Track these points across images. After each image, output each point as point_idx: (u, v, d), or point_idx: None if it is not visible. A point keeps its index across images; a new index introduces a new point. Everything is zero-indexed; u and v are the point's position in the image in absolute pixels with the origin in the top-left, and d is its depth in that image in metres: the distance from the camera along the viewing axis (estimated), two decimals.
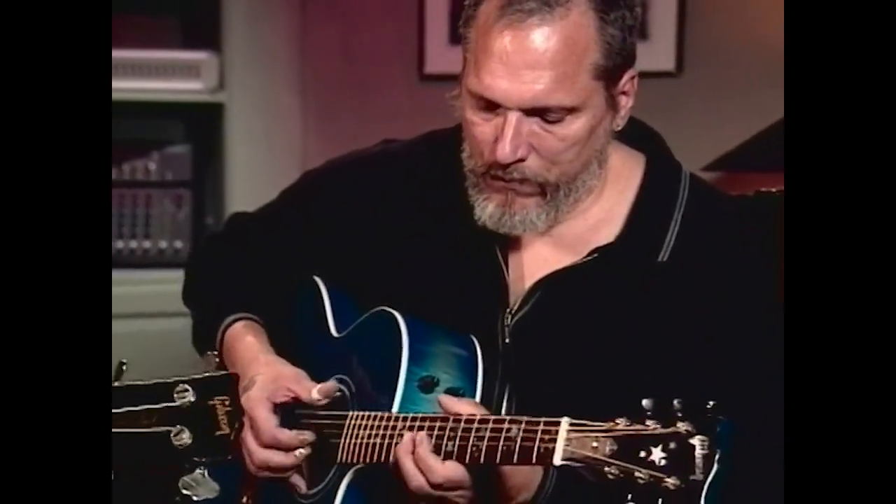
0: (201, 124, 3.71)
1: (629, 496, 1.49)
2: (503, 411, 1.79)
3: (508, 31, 1.71)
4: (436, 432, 1.69)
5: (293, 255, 1.98)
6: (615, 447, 1.50)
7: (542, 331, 1.81)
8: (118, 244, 3.64)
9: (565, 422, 1.56)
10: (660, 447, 1.48)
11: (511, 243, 1.84)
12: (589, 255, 1.81)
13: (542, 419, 1.58)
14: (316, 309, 1.97)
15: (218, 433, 1.53)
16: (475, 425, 1.65)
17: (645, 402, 1.51)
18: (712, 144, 2.96)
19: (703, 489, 1.47)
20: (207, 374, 1.55)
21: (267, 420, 1.80)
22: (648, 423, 1.50)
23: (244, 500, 1.89)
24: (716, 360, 1.74)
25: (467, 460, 1.65)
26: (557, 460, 1.55)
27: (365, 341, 1.89)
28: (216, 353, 1.81)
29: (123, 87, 3.51)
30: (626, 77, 1.77)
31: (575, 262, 1.82)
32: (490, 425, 1.64)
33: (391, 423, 1.75)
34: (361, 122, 3.53)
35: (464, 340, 1.82)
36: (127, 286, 3.48)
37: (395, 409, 1.77)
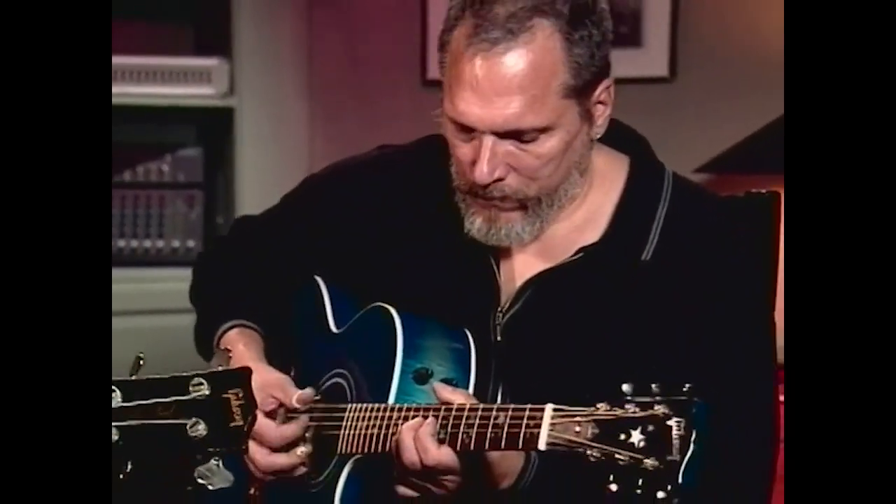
0: (212, 128, 3.71)
1: (611, 477, 1.49)
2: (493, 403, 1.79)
3: (477, 59, 1.71)
4: None
5: (295, 256, 1.99)
6: (597, 431, 1.51)
7: (531, 328, 1.82)
8: (133, 243, 3.64)
9: (549, 408, 1.57)
10: (639, 430, 1.49)
11: (501, 246, 1.84)
12: (575, 254, 1.82)
13: (528, 406, 1.59)
14: (316, 306, 1.98)
15: (232, 425, 1.53)
16: (465, 413, 1.66)
17: (625, 387, 1.52)
18: (705, 147, 2.96)
19: (680, 469, 1.48)
20: (221, 369, 1.56)
21: (267, 425, 1.81)
22: (628, 406, 1.51)
23: (252, 491, 1.89)
24: (697, 355, 1.75)
25: (458, 448, 1.66)
26: (542, 445, 1.56)
27: (362, 336, 1.90)
28: (228, 349, 1.81)
29: (138, 92, 3.52)
30: (600, 88, 1.77)
31: (562, 262, 1.82)
32: (479, 413, 1.65)
33: (388, 415, 1.76)
34: (366, 125, 3.54)
35: (457, 334, 1.83)
36: (142, 283, 3.50)
37: (391, 400, 1.78)
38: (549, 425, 1.56)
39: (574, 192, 1.82)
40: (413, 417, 1.71)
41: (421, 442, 1.67)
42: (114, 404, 1.51)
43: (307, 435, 1.85)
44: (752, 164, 2.86)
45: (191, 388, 1.52)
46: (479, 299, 1.85)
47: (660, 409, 1.49)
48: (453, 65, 1.74)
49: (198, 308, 2.05)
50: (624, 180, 1.85)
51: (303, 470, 1.84)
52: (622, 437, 1.49)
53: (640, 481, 1.48)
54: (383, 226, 1.92)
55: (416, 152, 1.93)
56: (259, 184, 3.55)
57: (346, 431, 1.81)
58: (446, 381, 1.77)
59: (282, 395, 1.83)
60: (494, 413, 1.63)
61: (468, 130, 1.75)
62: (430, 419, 1.67)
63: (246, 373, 1.54)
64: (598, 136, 1.82)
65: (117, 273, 3.57)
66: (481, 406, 1.67)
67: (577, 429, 1.53)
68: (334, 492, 1.80)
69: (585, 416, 1.53)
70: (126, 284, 3.51)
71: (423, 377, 1.79)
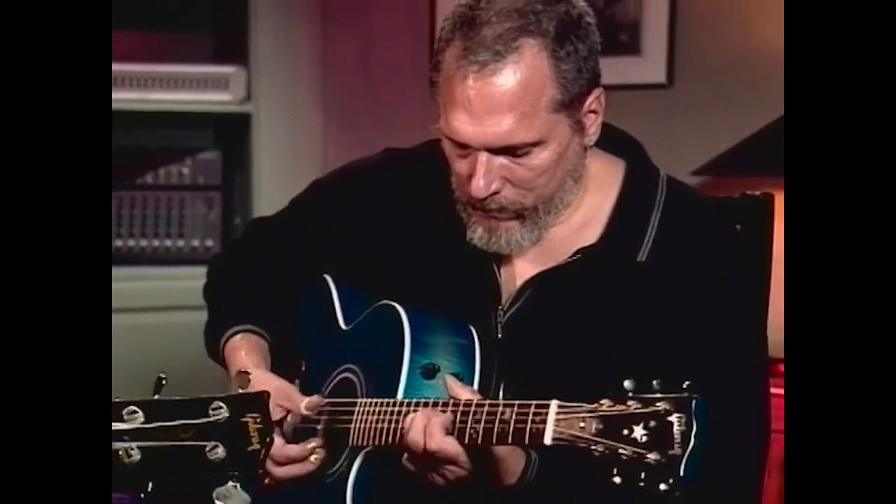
0: (230, 133, 3.72)
1: (614, 471, 1.48)
2: (496, 399, 1.78)
3: (468, 80, 1.69)
4: None
5: (304, 256, 1.98)
6: (601, 426, 1.50)
7: (531, 325, 1.81)
8: (154, 242, 3.65)
9: (554, 404, 1.55)
10: (641, 425, 1.48)
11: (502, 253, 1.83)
12: (573, 255, 1.80)
13: (534, 402, 1.57)
14: (326, 304, 1.96)
15: (249, 449, 1.52)
16: (473, 409, 1.65)
17: (626, 384, 1.51)
18: (701, 150, 2.94)
19: (681, 463, 1.46)
20: (240, 393, 1.55)
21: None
22: (630, 403, 1.49)
23: (266, 481, 1.88)
24: (691, 352, 1.73)
25: (466, 441, 1.64)
26: (548, 440, 1.54)
27: (370, 333, 1.88)
28: (248, 371, 1.80)
29: (159, 98, 3.53)
30: (591, 98, 1.75)
31: (560, 263, 1.81)
32: (486, 409, 1.63)
33: (396, 409, 1.74)
34: (377, 130, 3.53)
35: (462, 330, 1.81)
36: (162, 281, 3.50)
37: (399, 394, 1.77)
38: (555, 421, 1.54)
39: (569, 199, 1.81)
40: None
41: (430, 427, 1.66)
42: (135, 424, 1.50)
43: (320, 434, 1.83)
44: (747, 167, 2.85)
45: (210, 412, 1.51)
46: (481, 298, 1.83)
47: (661, 406, 1.47)
48: (446, 85, 1.72)
49: (208, 309, 2.04)
50: (620, 184, 1.84)
51: (313, 468, 1.83)
52: (625, 432, 1.48)
53: (643, 475, 1.47)
54: (389, 226, 1.91)
55: (420, 155, 1.91)
56: (275, 186, 3.55)
57: (357, 424, 1.79)
58: (453, 376, 1.75)
59: (288, 403, 1.82)
60: (501, 409, 1.61)
61: (464, 147, 1.74)
62: (449, 413, 1.66)
63: (264, 397, 1.53)
64: (591, 143, 1.80)
65: (140, 271, 3.60)
66: (488, 402, 1.65)
67: (582, 424, 1.52)
68: (346, 483, 1.78)
69: (589, 412, 1.51)
70: (148, 282, 3.52)
71: (430, 372, 1.78)
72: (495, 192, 1.74)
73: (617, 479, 1.48)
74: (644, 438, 1.47)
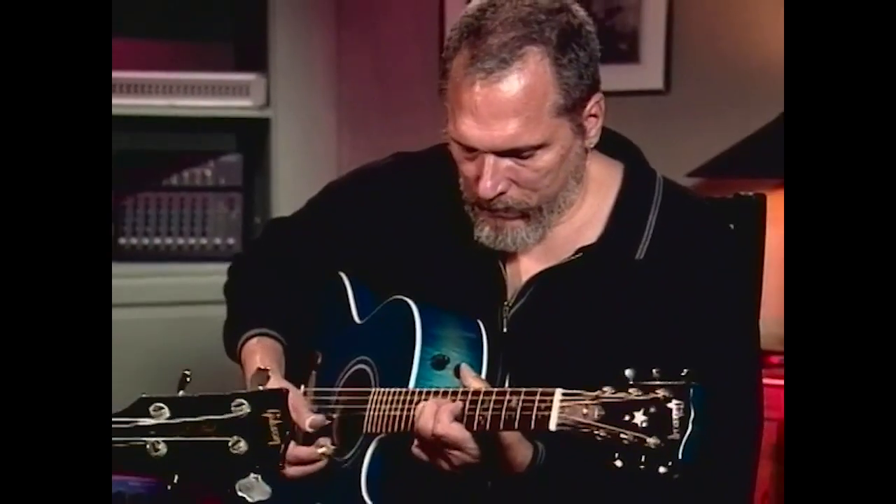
0: (251, 137, 3.71)
1: (616, 455, 1.47)
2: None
3: (475, 87, 1.68)
4: None
5: (320, 255, 1.97)
6: (603, 412, 1.49)
7: (535, 320, 1.80)
8: (179, 241, 3.65)
9: (559, 392, 1.55)
10: (641, 411, 1.47)
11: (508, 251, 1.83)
12: (575, 254, 1.80)
13: (539, 390, 1.57)
14: (341, 299, 1.96)
15: (270, 444, 1.51)
16: (481, 397, 1.64)
17: (627, 372, 1.50)
18: (696, 153, 2.93)
19: (680, 447, 1.46)
20: (261, 389, 1.54)
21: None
22: (631, 390, 1.49)
23: (282, 464, 1.87)
24: (687, 345, 1.72)
25: (475, 428, 1.64)
26: (553, 426, 1.54)
27: (384, 326, 1.88)
28: (267, 368, 1.79)
29: (183, 104, 3.52)
30: (591, 102, 1.75)
31: (562, 261, 1.80)
32: (494, 397, 1.63)
33: (408, 398, 1.73)
34: (389, 135, 3.53)
35: (470, 324, 1.81)
36: (186, 277, 3.50)
37: (411, 384, 1.76)
38: (559, 408, 1.53)
39: (572, 198, 1.80)
40: None
41: (440, 414, 1.65)
42: (162, 420, 1.49)
43: (334, 425, 1.83)
44: (740, 169, 2.84)
45: (233, 408, 1.50)
46: (487, 294, 1.83)
47: (661, 393, 1.47)
48: (454, 91, 1.72)
49: (228, 309, 2.03)
50: (618, 186, 1.84)
51: (323, 465, 1.82)
52: (626, 418, 1.47)
53: (643, 458, 1.46)
54: (400, 226, 1.90)
55: (429, 159, 1.91)
56: (292, 187, 3.55)
57: (371, 413, 1.79)
58: (467, 365, 1.75)
59: (294, 415, 1.76)
60: (508, 397, 1.61)
61: (471, 150, 1.73)
62: (459, 402, 1.65)
63: (283, 394, 1.52)
64: (592, 146, 1.80)
65: (164, 268, 3.60)
66: (495, 390, 1.64)
67: (585, 411, 1.51)
68: (361, 468, 1.78)
69: (592, 399, 1.51)
70: (172, 278, 3.51)
71: (440, 363, 1.77)
72: (501, 193, 1.74)
73: (618, 463, 1.47)
74: (644, 424, 1.47)
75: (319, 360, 1.96)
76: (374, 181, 1.97)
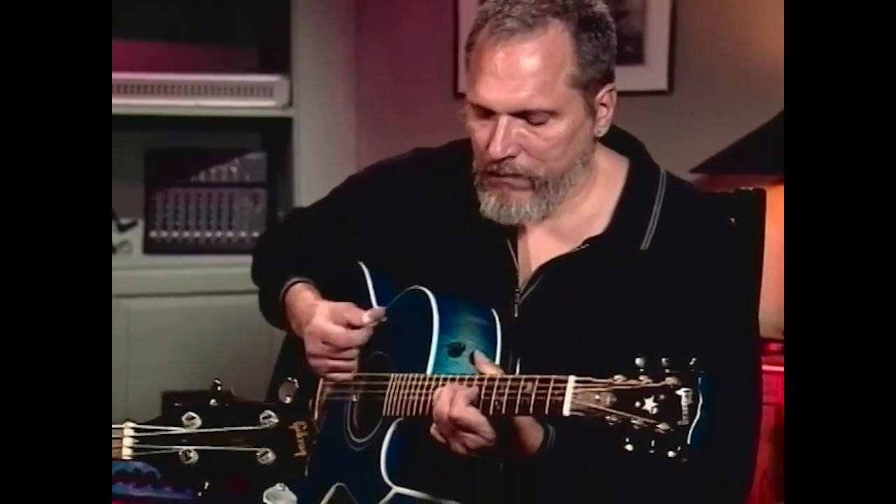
0: (274, 135, 3.72)
1: (627, 440, 1.46)
2: (515, 374, 1.77)
3: (497, 48, 1.70)
4: None
5: (340, 242, 1.97)
6: (614, 399, 1.48)
7: (545, 307, 1.80)
8: (206, 234, 3.66)
9: (572, 379, 1.54)
10: (652, 398, 1.46)
11: (519, 235, 1.83)
12: (583, 244, 1.79)
13: (553, 377, 1.56)
14: (360, 288, 1.95)
15: (296, 455, 1.51)
16: (497, 383, 1.63)
17: (638, 361, 1.49)
18: (699, 151, 2.92)
19: (688, 432, 1.45)
20: (289, 401, 1.54)
21: (336, 330, 1.82)
22: (641, 378, 1.48)
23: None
24: (689, 331, 1.71)
25: (491, 412, 1.63)
26: (566, 411, 1.53)
27: (402, 315, 1.86)
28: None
29: (211, 104, 3.53)
30: (604, 90, 1.76)
31: (571, 250, 1.80)
32: (509, 383, 1.62)
33: (426, 383, 1.73)
34: (406, 133, 3.52)
35: (485, 312, 1.80)
36: (213, 269, 3.51)
37: (428, 370, 1.75)
38: (573, 394, 1.53)
39: (577, 181, 1.80)
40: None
41: (456, 398, 1.65)
42: (193, 429, 1.49)
43: (353, 408, 1.83)
44: (740, 166, 2.84)
45: (261, 419, 1.50)
46: (499, 282, 1.82)
47: (670, 381, 1.46)
48: (477, 57, 1.73)
49: (260, 278, 2.04)
50: (624, 179, 1.83)
51: (354, 367, 1.84)
52: (637, 404, 1.46)
53: (653, 443, 1.45)
54: (417, 218, 1.90)
55: (445, 154, 1.91)
56: (314, 183, 3.55)
57: (390, 397, 1.78)
58: (481, 353, 1.74)
59: (351, 314, 1.83)
60: (523, 383, 1.59)
61: (486, 115, 1.74)
62: (475, 387, 1.65)
63: (308, 405, 1.52)
64: (601, 135, 1.80)
65: (192, 260, 3.61)
66: (510, 377, 1.63)
67: (597, 397, 1.50)
68: (380, 449, 1.77)
69: (604, 386, 1.50)
70: (199, 270, 3.52)
71: (456, 350, 1.76)
72: (511, 157, 1.74)
73: (629, 447, 1.46)
74: (655, 410, 1.45)
75: None
76: (393, 175, 1.97)
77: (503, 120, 1.72)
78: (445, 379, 1.71)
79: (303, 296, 1.91)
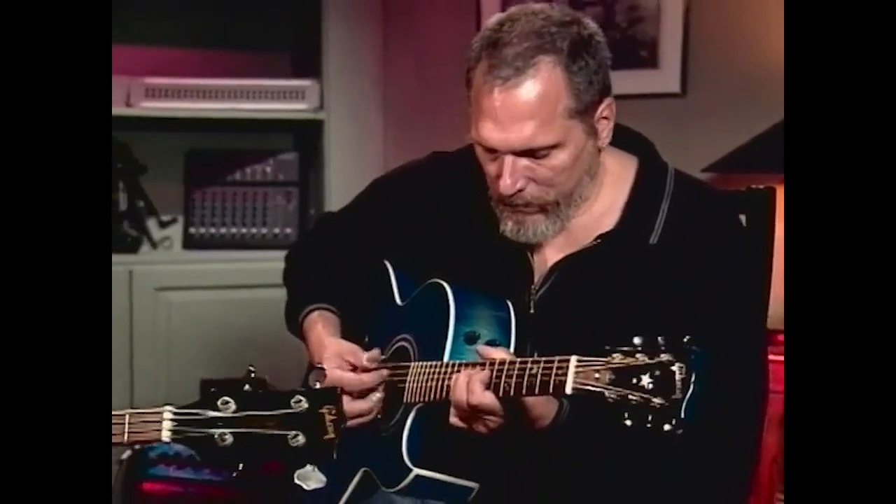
0: (306, 137, 3.74)
1: (625, 414, 1.48)
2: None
3: (494, 93, 1.69)
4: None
5: (366, 244, 2.00)
6: (613, 376, 1.50)
7: (559, 302, 1.81)
8: (242, 230, 3.69)
9: (574, 359, 1.56)
10: (647, 374, 1.47)
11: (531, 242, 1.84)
12: (594, 240, 1.81)
13: (557, 357, 1.58)
14: (385, 284, 1.99)
15: (325, 437, 1.52)
16: (506, 367, 1.65)
17: (635, 340, 1.51)
18: (711, 151, 2.92)
19: (682, 405, 1.46)
20: (318, 387, 1.56)
21: (349, 377, 1.83)
22: (638, 356, 1.49)
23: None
24: (697, 322, 1.70)
25: (500, 393, 1.65)
26: (569, 389, 1.55)
27: (422, 307, 1.90)
28: (322, 366, 1.82)
29: (246, 107, 3.55)
30: (602, 106, 1.76)
31: (583, 247, 1.81)
32: (517, 365, 1.64)
33: (443, 369, 1.76)
34: (432, 135, 3.53)
35: (500, 303, 1.82)
36: (248, 263, 3.53)
37: (446, 358, 1.78)
38: (574, 373, 1.54)
39: (587, 193, 1.81)
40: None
41: (472, 384, 1.67)
42: (228, 413, 1.51)
43: (380, 386, 1.86)
44: (751, 165, 2.83)
45: (293, 403, 1.51)
46: (516, 278, 1.84)
47: (665, 357, 1.47)
48: (476, 99, 1.73)
49: (287, 292, 2.06)
50: (633, 177, 1.84)
51: (375, 414, 1.85)
52: (634, 381, 1.48)
53: (650, 417, 1.46)
54: (437, 218, 1.92)
55: (463, 158, 1.91)
56: (344, 182, 3.57)
57: (411, 384, 1.81)
58: (490, 343, 1.76)
59: (353, 358, 1.85)
60: (529, 365, 1.62)
61: (492, 151, 1.75)
62: (486, 370, 1.67)
63: (338, 391, 1.53)
64: (604, 146, 1.80)
65: (228, 255, 3.64)
66: (518, 360, 1.66)
67: (597, 375, 1.51)
68: (402, 434, 1.80)
69: (603, 364, 1.51)
70: (235, 264, 3.55)
71: (472, 339, 1.78)
72: (521, 190, 1.75)
73: (628, 422, 1.47)
74: (650, 385, 1.47)
75: (366, 339, 1.98)
76: (413, 178, 1.99)
77: (509, 159, 1.73)
78: (461, 365, 1.73)
79: (315, 329, 1.93)
